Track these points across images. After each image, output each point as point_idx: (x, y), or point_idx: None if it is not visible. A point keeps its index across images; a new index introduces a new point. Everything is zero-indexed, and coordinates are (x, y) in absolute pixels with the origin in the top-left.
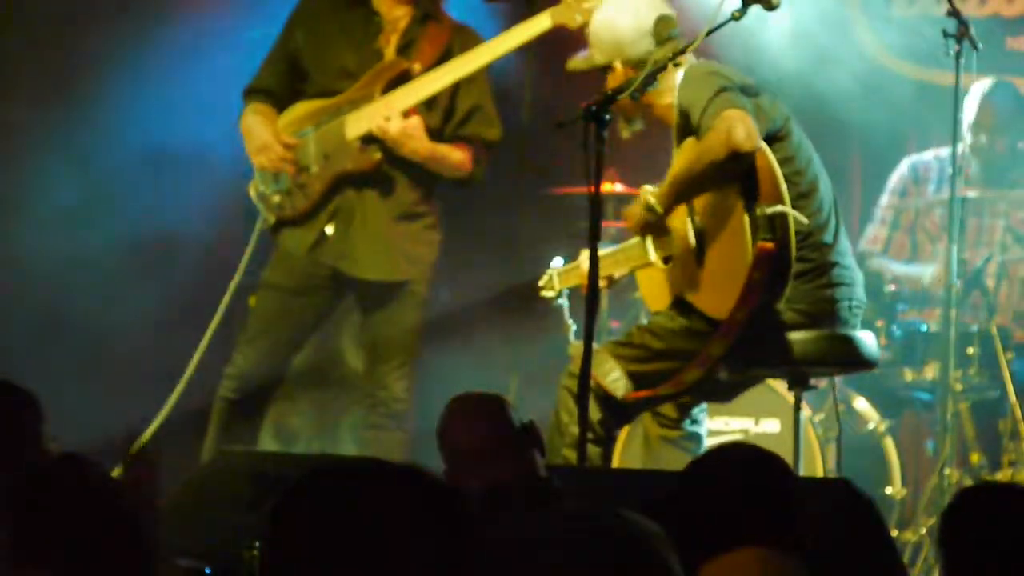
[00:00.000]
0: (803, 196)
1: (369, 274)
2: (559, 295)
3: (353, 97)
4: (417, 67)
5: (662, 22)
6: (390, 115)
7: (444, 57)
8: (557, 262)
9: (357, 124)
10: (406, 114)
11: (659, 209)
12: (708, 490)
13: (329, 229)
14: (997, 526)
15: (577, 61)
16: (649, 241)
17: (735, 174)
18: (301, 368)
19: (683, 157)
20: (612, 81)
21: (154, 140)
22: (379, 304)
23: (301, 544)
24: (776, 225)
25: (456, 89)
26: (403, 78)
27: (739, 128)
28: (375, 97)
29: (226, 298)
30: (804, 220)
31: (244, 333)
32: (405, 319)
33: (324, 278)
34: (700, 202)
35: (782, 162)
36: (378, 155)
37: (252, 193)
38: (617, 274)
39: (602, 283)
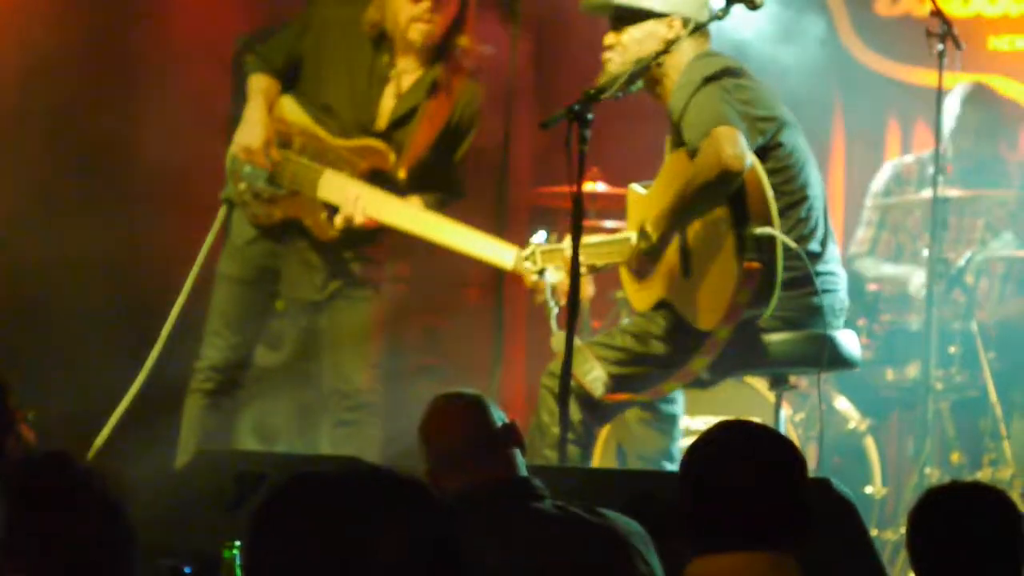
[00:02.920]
0: (792, 206)
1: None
2: (541, 272)
3: (340, 151)
4: (402, 175)
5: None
6: (354, 212)
7: (444, 132)
8: (539, 237)
9: (329, 188)
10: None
11: (654, 236)
12: (702, 488)
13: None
14: (962, 525)
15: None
16: (634, 238)
17: (726, 194)
18: (282, 366)
19: (672, 175)
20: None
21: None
22: (334, 300)
23: (281, 546)
24: (763, 245)
25: (434, 146)
26: (388, 175)
27: (727, 147)
28: (355, 172)
29: (190, 279)
30: (793, 244)
31: (208, 324)
32: (361, 314)
33: (275, 269)
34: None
35: (772, 172)
36: (334, 233)
37: (229, 163)
38: (599, 264)
39: (584, 271)
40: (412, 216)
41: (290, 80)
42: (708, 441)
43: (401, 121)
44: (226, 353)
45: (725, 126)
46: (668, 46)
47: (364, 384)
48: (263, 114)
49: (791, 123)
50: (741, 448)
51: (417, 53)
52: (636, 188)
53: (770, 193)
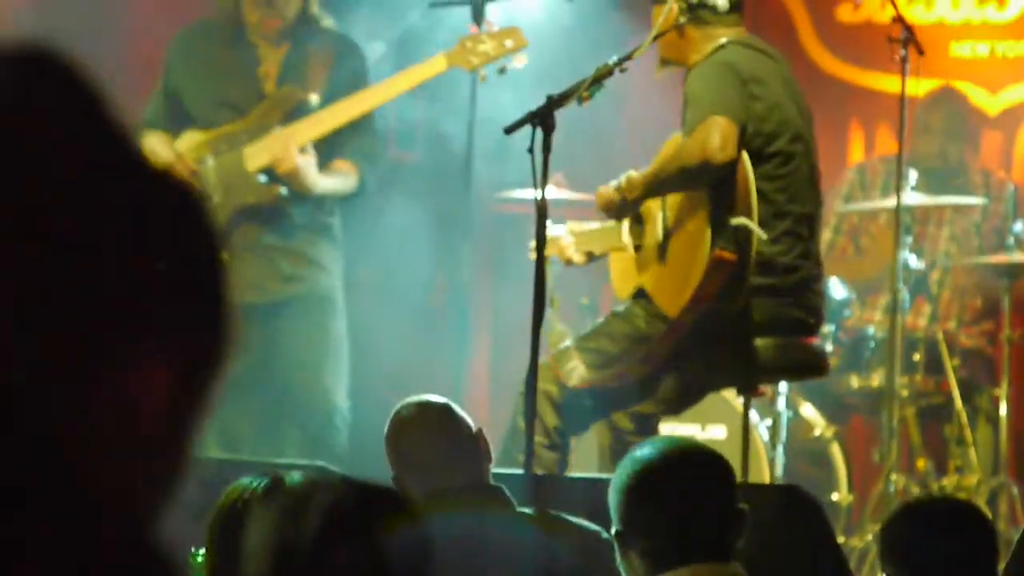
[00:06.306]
0: (777, 216)
1: (272, 297)
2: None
3: (251, 126)
4: (314, 98)
5: None
6: (287, 151)
7: (330, 78)
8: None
9: (257, 156)
10: (302, 150)
11: (627, 195)
12: (644, 510)
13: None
14: (938, 541)
15: None
16: (625, 226)
17: (703, 183)
18: (245, 374)
19: (665, 151)
20: (657, 16)
21: None
22: (298, 318)
23: (248, 553)
24: (739, 236)
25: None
26: (300, 108)
27: (715, 137)
28: (272, 128)
29: None
30: (763, 235)
31: None
32: (328, 328)
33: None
34: (672, 199)
35: (765, 179)
36: (280, 189)
37: None
38: (597, 251)
39: (581, 258)
40: (344, 107)
41: (183, 118)
42: (643, 463)
43: (287, 74)
44: None
45: (723, 116)
46: (630, 53)
47: (340, 400)
48: (158, 142)
49: (802, 136)
50: (679, 466)
51: (272, 40)
52: (634, 174)
53: (753, 190)
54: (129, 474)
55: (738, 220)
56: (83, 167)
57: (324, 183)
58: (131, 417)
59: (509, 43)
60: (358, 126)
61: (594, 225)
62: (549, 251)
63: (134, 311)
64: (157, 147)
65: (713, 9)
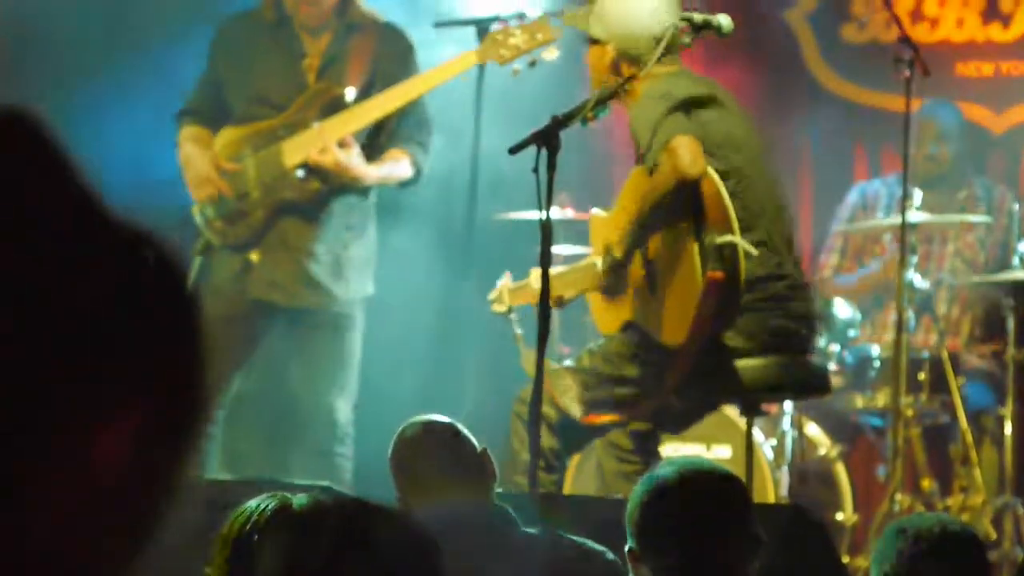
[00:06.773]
0: (744, 231)
1: (296, 302)
2: (509, 311)
3: (289, 121)
4: (351, 91)
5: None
6: (324, 146)
7: (372, 67)
8: (508, 278)
9: (294, 152)
10: (342, 143)
11: (619, 256)
12: (659, 528)
13: (254, 257)
14: (925, 561)
15: (575, 17)
16: (599, 262)
17: (682, 200)
18: (250, 392)
19: (631, 192)
20: (592, 58)
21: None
22: (314, 330)
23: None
24: (725, 254)
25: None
26: (336, 103)
27: (684, 155)
28: (310, 123)
29: None
30: (753, 251)
31: None
32: (342, 343)
33: (251, 304)
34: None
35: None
36: (317, 185)
37: (197, 216)
38: (568, 295)
39: (552, 303)
40: (377, 103)
41: (226, 105)
42: (662, 481)
43: (328, 66)
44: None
45: (682, 136)
46: (633, 75)
47: (344, 417)
48: (196, 150)
49: (751, 150)
50: (697, 486)
51: (312, 30)
52: (598, 212)
53: (729, 203)
54: (90, 532)
55: (723, 238)
56: (47, 232)
57: (375, 173)
58: (90, 475)
59: (539, 36)
60: (408, 113)
61: (562, 268)
62: (520, 300)
63: (92, 370)
64: (192, 149)
65: (718, 30)
